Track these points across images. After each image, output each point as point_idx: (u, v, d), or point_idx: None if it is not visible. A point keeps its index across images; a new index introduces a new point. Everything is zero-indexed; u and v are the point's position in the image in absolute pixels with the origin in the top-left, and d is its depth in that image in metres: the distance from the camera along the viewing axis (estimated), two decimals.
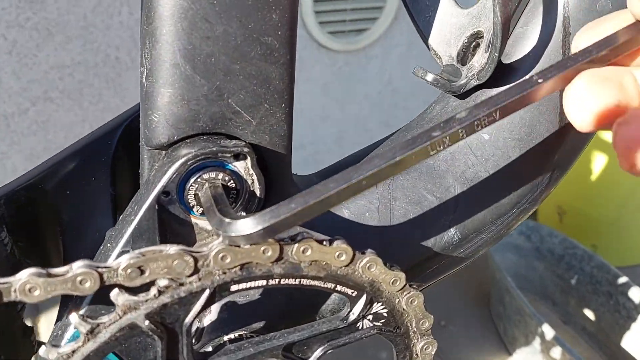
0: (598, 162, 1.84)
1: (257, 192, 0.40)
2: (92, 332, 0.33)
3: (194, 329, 0.39)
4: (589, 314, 1.68)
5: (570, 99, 0.30)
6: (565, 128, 0.44)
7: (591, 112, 0.29)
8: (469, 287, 1.80)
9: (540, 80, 0.30)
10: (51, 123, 1.47)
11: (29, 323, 0.47)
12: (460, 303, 1.76)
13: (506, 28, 0.37)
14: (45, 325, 1.37)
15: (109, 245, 0.39)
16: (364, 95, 1.95)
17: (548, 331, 1.38)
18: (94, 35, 1.42)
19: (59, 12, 1.35)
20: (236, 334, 0.42)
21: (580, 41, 0.33)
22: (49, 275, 0.31)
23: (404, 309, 0.41)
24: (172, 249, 0.33)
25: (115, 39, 1.45)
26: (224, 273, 0.34)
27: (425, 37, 0.48)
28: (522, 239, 1.80)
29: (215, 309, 0.43)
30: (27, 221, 0.46)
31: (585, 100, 0.29)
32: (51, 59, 1.39)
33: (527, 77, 0.38)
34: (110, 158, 0.47)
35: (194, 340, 0.41)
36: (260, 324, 0.43)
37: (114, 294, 0.33)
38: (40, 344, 0.44)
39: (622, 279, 1.59)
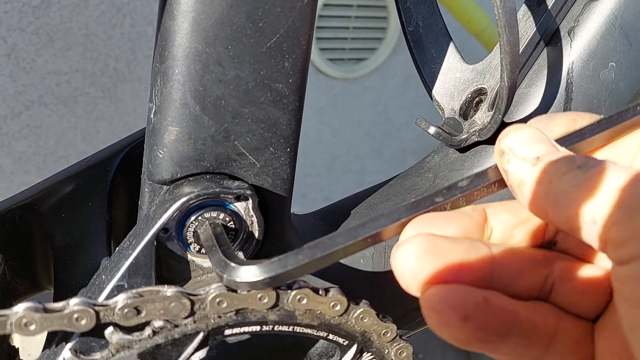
0: None
1: (256, 234, 0.40)
2: None
3: None
4: None
5: None
6: None
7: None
8: None
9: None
10: (43, 128, 1.46)
11: (16, 343, 0.46)
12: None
13: (512, 92, 0.38)
14: (30, 344, 1.32)
15: (103, 277, 0.39)
16: (357, 123, 1.96)
17: None
18: (94, 44, 1.41)
19: (61, 19, 1.35)
20: None
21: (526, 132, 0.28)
22: (46, 310, 0.30)
23: (392, 359, 0.41)
24: (169, 290, 0.33)
25: (115, 50, 1.45)
26: (219, 317, 0.34)
27: (429, 87, 0.49)
28: None
29: None
30: (20, 241, 0.46)
31: None
32: (49, 64, 1.39)
33: None
34: (108, 184, 0.47)
35: None
36: None
37: (109, 332, 0.33)
38: None
39: None
